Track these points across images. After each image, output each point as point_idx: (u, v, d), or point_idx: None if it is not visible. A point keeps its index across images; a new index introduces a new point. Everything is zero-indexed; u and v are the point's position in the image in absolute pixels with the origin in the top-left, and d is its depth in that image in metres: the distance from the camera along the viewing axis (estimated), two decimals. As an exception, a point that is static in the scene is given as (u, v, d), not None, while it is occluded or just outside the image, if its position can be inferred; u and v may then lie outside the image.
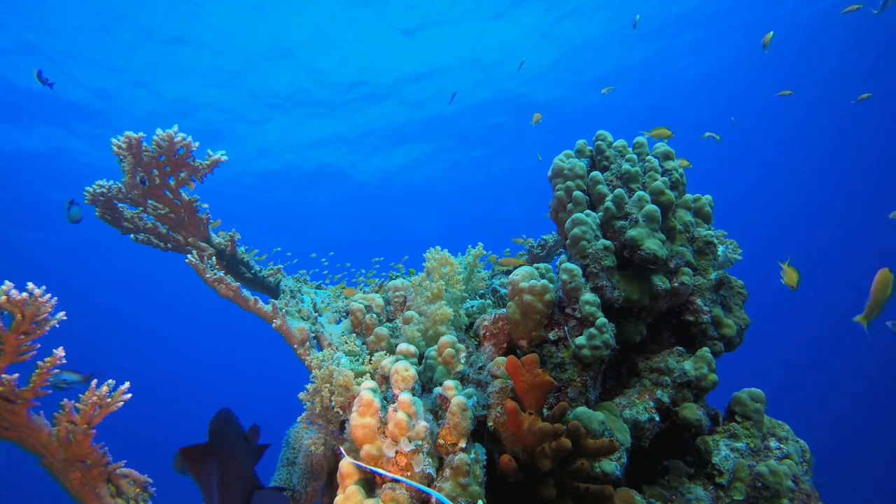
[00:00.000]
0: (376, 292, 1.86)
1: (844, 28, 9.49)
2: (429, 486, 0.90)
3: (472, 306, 1.58)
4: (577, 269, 1.29)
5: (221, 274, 1.49)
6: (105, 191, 1.72)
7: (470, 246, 1.59)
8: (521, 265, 1.71)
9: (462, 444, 0.94)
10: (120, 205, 1.79)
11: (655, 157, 1.48)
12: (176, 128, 1.59)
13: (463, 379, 1.24)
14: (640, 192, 1.38)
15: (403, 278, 1.72)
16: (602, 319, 1.23)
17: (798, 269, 1.81)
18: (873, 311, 1.31)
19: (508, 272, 2.18)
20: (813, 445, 1.33)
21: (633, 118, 12.20)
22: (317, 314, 1.68)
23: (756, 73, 11.11)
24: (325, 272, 2.21)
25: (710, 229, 1.54)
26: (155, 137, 1.58)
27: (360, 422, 0.89)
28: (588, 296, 1.26)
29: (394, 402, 0.92)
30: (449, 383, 1.01)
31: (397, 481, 0.86)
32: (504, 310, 1.35)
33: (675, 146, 1.56)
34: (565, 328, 1.27)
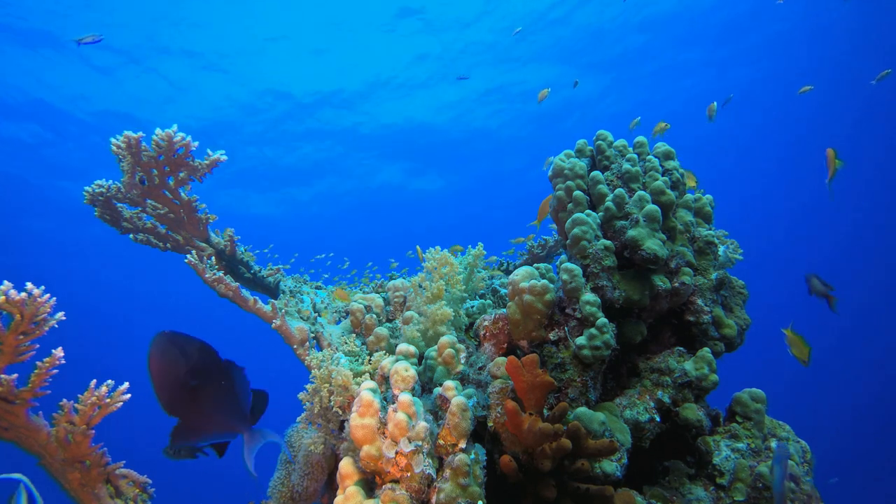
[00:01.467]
0: (376, 292, 1.85)
1: (853, 20, 9.36)
2: (429, 486, 0.90)
3: (472, 306, 1.57)
4: (578, 269, 1.29)
5: (221, 274, 1.49)
6: (104, 191, 1.72)
7: (470, 246, 1.59)
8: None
9: (462, 444, 0.94)
10: (119, 205, 1.79)
11: (656, 157, 1.48)
12: (175, 127, 1.59)
13: (463, 379, 1.24)
14: (641, 192, 1.38)
15: (403, 278, 1.72)
16: (602, 320, 1.23)
17: (806, 338, 1.54)
18: (831, 173, 2.03)
19: (508, 272, 2.17)
20: (814, 446, 1.33)
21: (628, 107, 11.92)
22: (316, 314, 1.68)
23: (760, 71, 11.03)
24: (326, 274, 2.20)
25: (710, 229, 1.53)
26: (154, 137, 1.57)
27: (359, 422, 0.88)
28: (588, 296, 1.26)
29: (393, 403, 0.91)
30: (449, 384, 1.01)
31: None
32: (504, 310, 1.35)
33: (675, 143, 1.55)
34: (566, 328, 1.27)
